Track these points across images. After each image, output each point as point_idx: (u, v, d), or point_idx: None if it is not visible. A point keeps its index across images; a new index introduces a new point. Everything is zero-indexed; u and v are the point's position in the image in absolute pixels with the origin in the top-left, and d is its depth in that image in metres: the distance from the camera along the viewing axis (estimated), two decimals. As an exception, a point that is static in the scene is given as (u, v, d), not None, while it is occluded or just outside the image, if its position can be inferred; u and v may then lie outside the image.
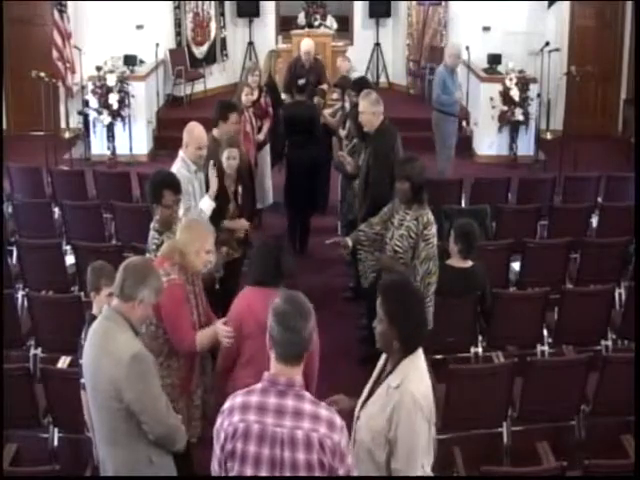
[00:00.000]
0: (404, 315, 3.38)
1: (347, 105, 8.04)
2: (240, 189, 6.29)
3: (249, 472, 3.02)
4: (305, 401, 3.06)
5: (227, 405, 3.16)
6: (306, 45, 9.89)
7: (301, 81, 9.10)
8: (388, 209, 5.58)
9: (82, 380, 4.34)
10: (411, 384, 3.33)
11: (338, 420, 3.07)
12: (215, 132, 6.75)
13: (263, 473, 3.01)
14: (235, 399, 3.14)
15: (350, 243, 5.58)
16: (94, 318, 4.42)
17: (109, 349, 3.71)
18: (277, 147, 8.83)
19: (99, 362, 3.73)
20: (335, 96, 8.81)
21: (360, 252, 5.64)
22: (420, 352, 3.47)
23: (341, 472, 3.04)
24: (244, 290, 4.63)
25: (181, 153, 6.01)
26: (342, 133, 8.13)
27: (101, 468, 3.96)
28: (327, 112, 8.73)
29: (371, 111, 6.49)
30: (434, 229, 5.40)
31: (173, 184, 5.24)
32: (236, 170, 6.29)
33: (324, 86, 9.56)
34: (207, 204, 5.91)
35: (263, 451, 3.01)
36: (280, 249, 4.76)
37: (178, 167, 5.91)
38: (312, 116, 8.31)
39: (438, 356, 5.73)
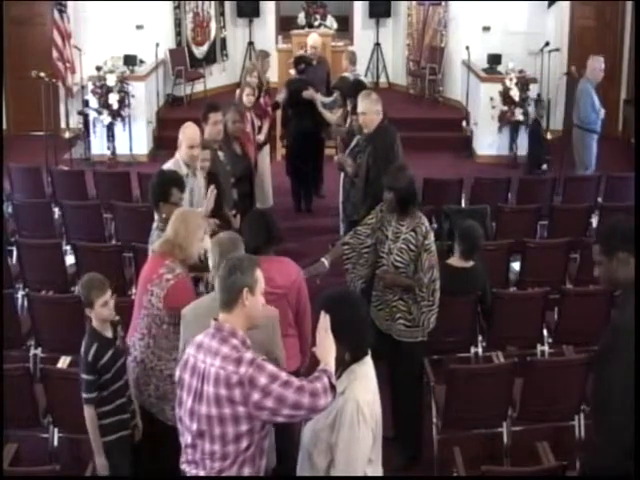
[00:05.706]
0: (345, 327, 3.35)
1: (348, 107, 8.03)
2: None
3: (184, 397, 3.39)
4: (225, 345, 3.30)
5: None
6: (313, 39, 9.76)
7: (300, 66, 9.15)
8: (376, 217, 5.40)
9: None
10: (356, 391, 3.34)
11: (248, 356, 3.25)
12: (205, 135, 6.69)
13: (190, 400, 3.35)
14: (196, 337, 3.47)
15: (327, 265, 5.45)
16: (94, 331, 4.33)
17: None
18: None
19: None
20: (334, 97, 8.78)
21: (346, 263, 5.55)
22: (368, 359, 3.48)
23: (256, 395, 3.18)
24: None
25: (177, 154, 5.98)
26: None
27: None
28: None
29: (374, 110, 6.48)
30: (432, 236, 5.36)
31: (179, 182, 5.26)
32: (207, 172, 6.21)
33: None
34: None
35: (192, 381, 3.36)
36: (267, 215, 4.93)
37: (169, 167, 5.80)
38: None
39: (438, 356, 5.74)
